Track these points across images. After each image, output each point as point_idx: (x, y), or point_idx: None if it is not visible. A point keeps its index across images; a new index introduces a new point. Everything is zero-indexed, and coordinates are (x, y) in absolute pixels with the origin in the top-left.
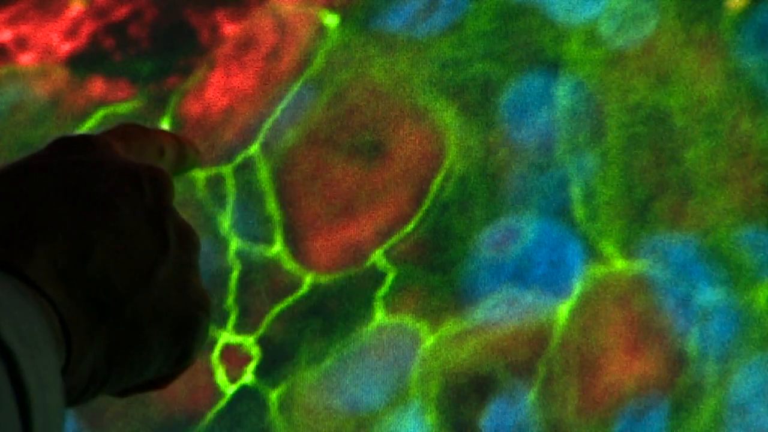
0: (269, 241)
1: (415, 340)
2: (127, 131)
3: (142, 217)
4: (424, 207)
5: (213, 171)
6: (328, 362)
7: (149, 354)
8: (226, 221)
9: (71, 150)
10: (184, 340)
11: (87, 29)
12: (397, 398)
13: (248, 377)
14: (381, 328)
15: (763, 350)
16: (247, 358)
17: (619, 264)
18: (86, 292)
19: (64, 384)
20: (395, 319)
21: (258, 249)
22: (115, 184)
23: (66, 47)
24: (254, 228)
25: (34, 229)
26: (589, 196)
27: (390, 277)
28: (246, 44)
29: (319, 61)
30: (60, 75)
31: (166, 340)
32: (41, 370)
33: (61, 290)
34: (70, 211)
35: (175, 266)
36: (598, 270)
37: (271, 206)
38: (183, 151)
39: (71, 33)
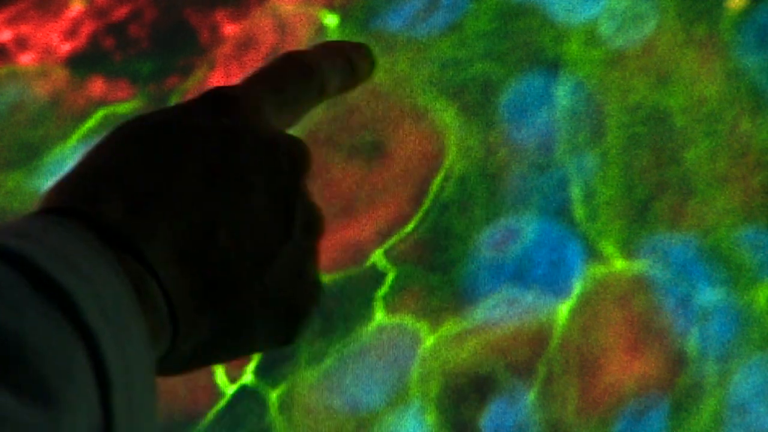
0: None
1: (415, 340)
2: (282, 75)
3: (273, 196)
4: (424, 207)
5: None
6: (328, 362)
7: (253, 338)
8: None
9: (219, 109)
10: (290, 328)
11: (87, 29)
12: (397, 398)
13: (248, 377)
14: (381, 328)
15: (763, 350)
16: (247, 358)
17: (619, 264)
18: (202, 277)
19: (166, 362)
20: (395, 319)
21: None
22: (252, 157)
23: (66, 47)
24: None
25: (164, 204)
26: (589, 196)
27: (390, 277)
28: (246, 44)
29: None
30: (60, 75)
31: (273, 327)
32: (127, 348)
33: (176, 274)
34: (202, 186)
35: (295, 253)
36: (598, 270)
37: None
38: (352, 71)
39: (71, 33)
